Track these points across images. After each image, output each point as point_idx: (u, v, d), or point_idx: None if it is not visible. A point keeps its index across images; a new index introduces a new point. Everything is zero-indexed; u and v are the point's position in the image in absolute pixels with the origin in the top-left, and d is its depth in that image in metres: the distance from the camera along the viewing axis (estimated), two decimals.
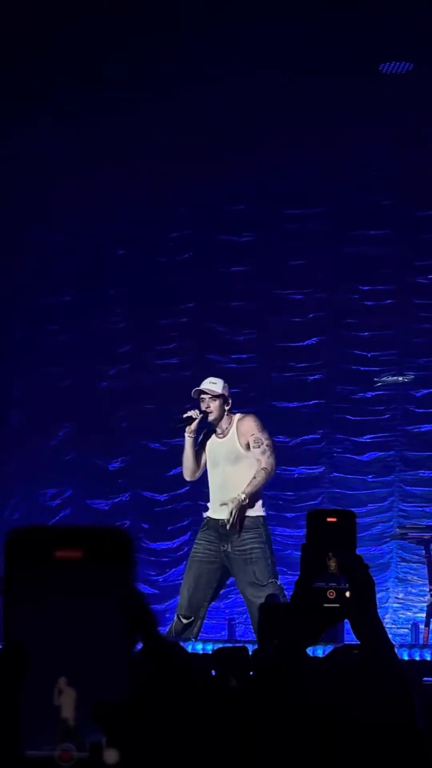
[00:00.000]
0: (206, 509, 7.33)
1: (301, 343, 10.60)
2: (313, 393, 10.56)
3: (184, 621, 7.07)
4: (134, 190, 10.47)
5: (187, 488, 10.33)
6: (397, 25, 8.72)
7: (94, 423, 10.58)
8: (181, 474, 10.38)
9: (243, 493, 6.95)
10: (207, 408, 7.08)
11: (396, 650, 2.33)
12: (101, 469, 10.65)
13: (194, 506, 9.52)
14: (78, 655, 1.34)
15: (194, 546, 7.25)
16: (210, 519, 7.17)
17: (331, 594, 2.20)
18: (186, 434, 7.15)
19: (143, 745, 1.27)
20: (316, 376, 10.60)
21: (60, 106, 9.63)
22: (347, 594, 2.20)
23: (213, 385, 7.15)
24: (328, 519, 2.24)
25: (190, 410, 7.14)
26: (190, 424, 7.09)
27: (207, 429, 7.24)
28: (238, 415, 7.19)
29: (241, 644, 4.85)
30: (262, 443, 7.04)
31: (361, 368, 10.48)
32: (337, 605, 2.20)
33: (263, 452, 7.03)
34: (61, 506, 10.59)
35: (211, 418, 7.10)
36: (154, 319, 10.72)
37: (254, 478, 6.98)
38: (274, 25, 8.72)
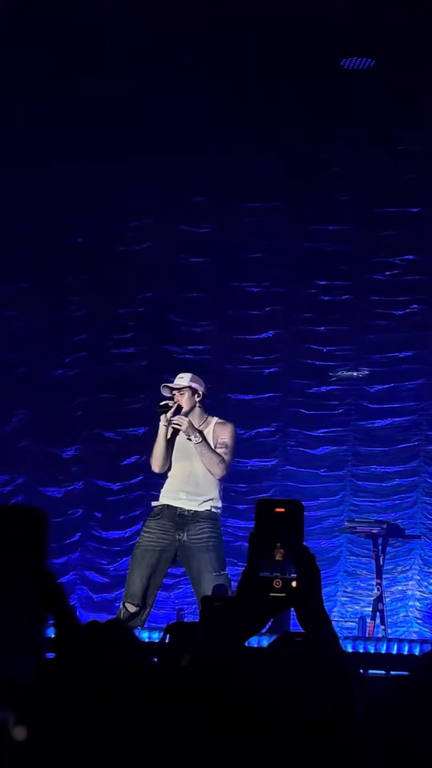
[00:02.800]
0: (156, 498, 7.36)
1: (257, 336, 10.64)
2: (268, 386, 10.60)
3: (132, 610, 7.09)
4: (94, 178, 10.43)
5: (140, 478, 10.34)
6: (359, 21, 8.76)
7: (48, 410, 10.54)
8: (134, 463, 10.46)
9: (199, 433, 7.11)
10: (177, 401, 7.19)
11: (341, 641, 2.35)
12: (55, 456, 10.62)
13: (147, 496, 9.52)
14: None
15: (144, 534, 7.24)
16: (166, 507, 7.20)
17: (278, 583, 2.21)
18: (161, 423, 7.21)
19: (52, 723, 1.28)
20: (271, 369, 10.64)
21: (23, 93, 9.59)
22: (293, 584, 2.21)
23: (180, 379, 7.33)
24: (277, 509, 2.25)
25: (168, 400, 7.23)
26: (166, 412, 7.17)
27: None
28: (216, 419, 7.31)
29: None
30: (227, 448, 7.18)
31: (317, 363, 10.53)
32: (283, 594, 2.21)
33: (224, 454, 7.21)
34: (12, 493, 10.53)
35: (183, 410, 7.18)
36: (111, 309, 10.70)
37: (215, 449, 7.13)
38: (237, 22, 8.73)
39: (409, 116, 10.02)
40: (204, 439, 7.15)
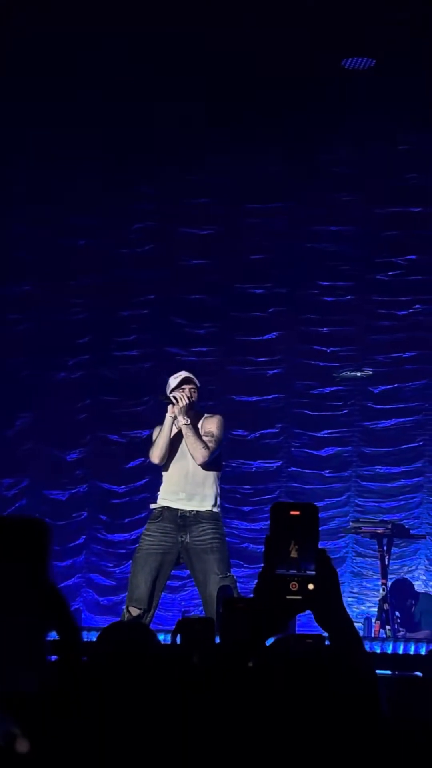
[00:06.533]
0: (154, 501, 7.34)
1: (260, 338, 10.64)
2: (272, 387, 10.60)
3: (135, 613, 7.06)
4: (97, 181, 10.44)
5: (145, 480, 10.33)
6: (360, 21, 8.75)
7: (52, 413, 10.54)
8: (139, 466, 10.45)
9: (187, 417, 7.05)
10: (190, 397, 7.12)
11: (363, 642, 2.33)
12: (59, 459, 10.62)
13: (152, 498, 9.49)
14: None
15: (145, 538, 7.21)
16: (166, 509, 7.18)
17: (294, 586, 2.20)
18: (168, 414, 7.16)
19: (57, 735, 1.27)
20: (275, 371, 10.64)
21: (25, 92, 9.59)
22: (310, 586, 2.21)
23: (188, 375, 7.25)
24: (292, 512, 2.25)
25: (176, 390, 7.15)
26: (173, 404, 7.11)
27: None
28: (206, 414, 7.29)
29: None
30: (212, 437, 7.12)
31: (320, 363, 10.53)
32: (299, 597, 2.21)
33: (209, 442, 7.12)
34: (17, 496, 10.54)
35: (189, 407, 7.12)
36: (114, 311, 10.70)
37: (198, 435, 7.08)
38: (237, 22, 8.72)
39: (410, 116, 10.01)
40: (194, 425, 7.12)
